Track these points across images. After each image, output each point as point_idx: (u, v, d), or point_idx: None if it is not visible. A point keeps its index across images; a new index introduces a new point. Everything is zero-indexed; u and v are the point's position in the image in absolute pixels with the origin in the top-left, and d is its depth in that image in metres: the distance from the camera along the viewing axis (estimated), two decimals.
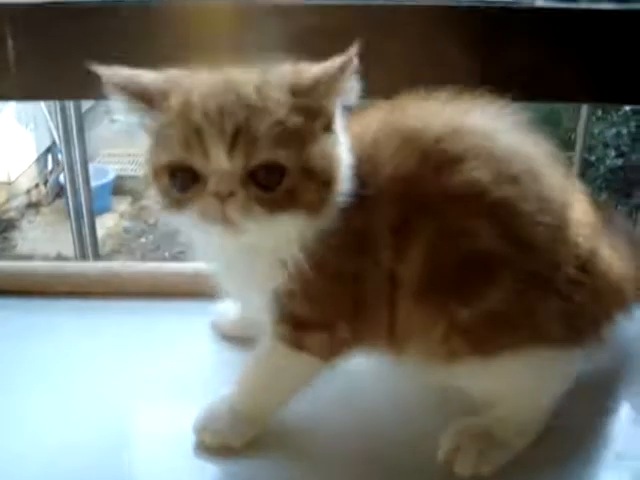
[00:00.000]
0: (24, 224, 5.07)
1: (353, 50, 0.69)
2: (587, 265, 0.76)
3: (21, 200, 5.12)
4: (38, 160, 5.20)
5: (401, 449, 0.82)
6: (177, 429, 0.85)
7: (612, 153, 3.66)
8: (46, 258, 4.61)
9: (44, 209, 5.20)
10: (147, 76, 0.74)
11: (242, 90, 0.69)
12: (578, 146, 1.77)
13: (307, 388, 0.82)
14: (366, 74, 1.12)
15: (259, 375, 0.83)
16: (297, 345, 0.78)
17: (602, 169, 3.61)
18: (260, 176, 0.69)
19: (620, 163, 3.62)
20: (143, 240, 4.85)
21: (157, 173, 0.73)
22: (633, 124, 3.64)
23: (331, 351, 0.79)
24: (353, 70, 0.70)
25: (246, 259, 0.76)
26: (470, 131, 0.75)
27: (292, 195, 0.70)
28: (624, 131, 3.67)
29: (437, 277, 0.73)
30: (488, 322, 0.74)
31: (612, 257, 0.81)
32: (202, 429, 0.83)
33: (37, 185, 5.24)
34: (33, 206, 5.20)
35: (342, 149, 0.73)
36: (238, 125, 0.67)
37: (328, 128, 0.72)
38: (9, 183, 4.96)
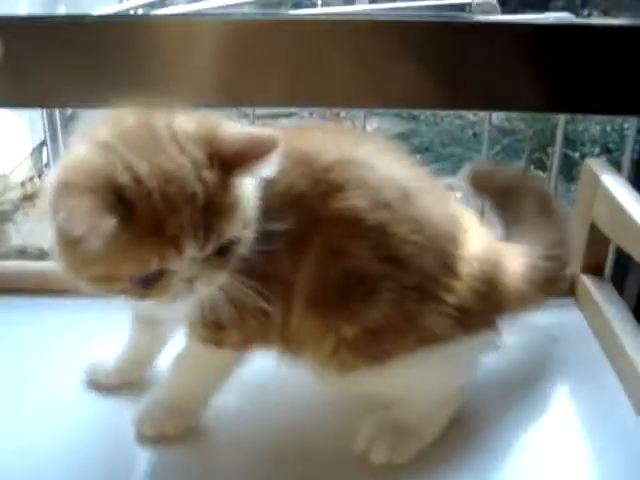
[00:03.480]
0: (19, 216, 5.10)
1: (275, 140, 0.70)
2: (461, 270, 0.82)
3: (16, 192, 5.14)
4: (33, 152, 5.21)
5: (322, 440, 0.87)
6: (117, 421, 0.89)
7: (596, 150, 3.69)
8: (40, 251, 4.64)
9: (39, 201, 5.22)
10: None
11: (185, 175, 0.68)
12: (558, 141, 1.80)
13: (229, 379, 0.86)
14: (320, 89, 1.19)
15: (185, 373, 0.87)
16: (217, 343, 0.83)
17: None
18: (221, 249, 0.72)
19: (605, 160, 3.64)
20: None
21: (109, 279, 0.72)
22: (619, 120, 3.65)
23: (245, 343, 0.84)
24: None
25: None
26: (353, 162, 0.81)
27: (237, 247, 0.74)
28: (608, 128, 3.71)
29: (323, 293, 0.79)
30: (373, 335, 0.79)
31: (500, 256, 0.88)
32: (140, 421, 0.87)
33: (32, 178, 5.25)
34: (28, 199, 5.22)
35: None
36: (200, 221, 0.68)
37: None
38: (4, 175, 4.98)
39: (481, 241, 0.86)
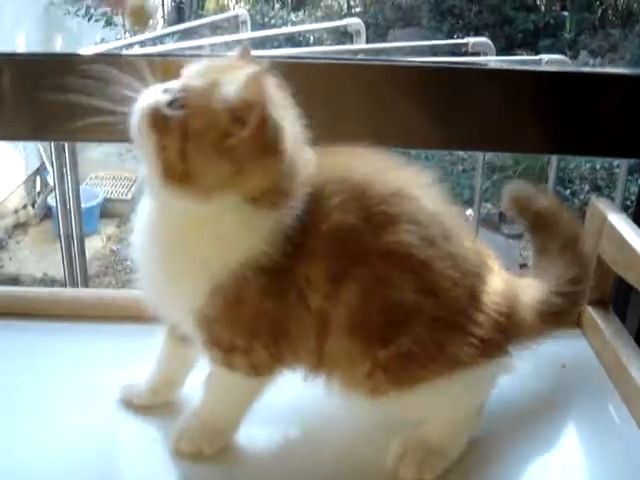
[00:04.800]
0: (12, 244, 5.13)
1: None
2: (486, 304, 0.88)
3: (9, 220, 5.17)
4: (26, 181, 5.26)
5: (352, 459, 0.92)
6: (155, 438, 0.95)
7: (586, 187, 3.79)
8: (32, 278, 4.66)
9: (32, 230, 5.25)
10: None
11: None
12: (550, 179, 1.88)
13: (257, 400, 0.91)
14: (329, 131, 1.25)
15: (213, 395, 0.93)
16: (228, 366, 0.88)
17: (577, 202, 3.74)
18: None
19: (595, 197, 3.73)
20: (129, 263, 4.90)
21: None
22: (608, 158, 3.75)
23: (256, 371, 0.88)
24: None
25: (179, 252, 0.83)
26: (404, 196, 0.86)
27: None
28: (597, 166, 3.81)
29: (365, 321, 0.84)
30: (405, 360, 0.85)
31: (517, 291, 0.94)
32: (178, 438, 0.92)
33: (25, 206, 5.30)
34: (21, 226, 5.26)
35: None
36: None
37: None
38: None
39: (500, 277, 0.92)
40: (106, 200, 5.29)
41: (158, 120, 0.79)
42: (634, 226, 1.07)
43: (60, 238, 1.82)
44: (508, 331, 0.90)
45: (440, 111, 1.27)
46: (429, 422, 0.92)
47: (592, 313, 1.13)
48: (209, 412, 0.93)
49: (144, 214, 0.87)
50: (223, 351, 0.87)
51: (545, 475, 0.92)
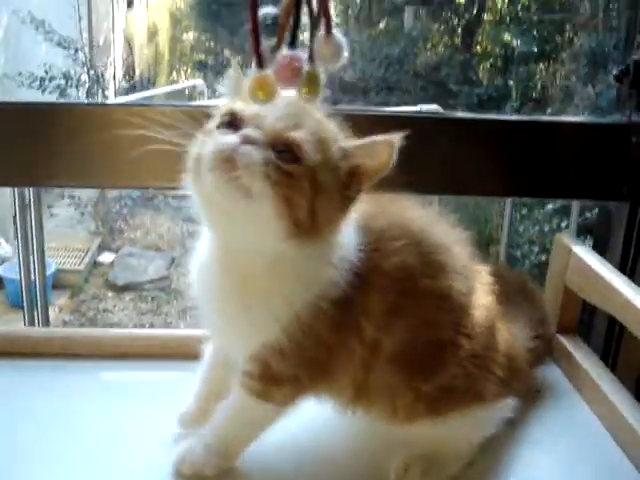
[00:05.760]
0: None
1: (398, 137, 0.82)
2: (504, 352, 1.00)
3: None
4: None
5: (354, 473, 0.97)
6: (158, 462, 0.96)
7: (536, 249, 3.91)
8: None
9: None
10: None
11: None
12: (503, 241, 1.95)
13: (270, 428, 0.94)
14: None
15: (229, 421, 0.95)
16: (265, 398, 0.92)
17: (527, 264, 3.85)
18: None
19: (544, 258, 3.87)
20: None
21: None
22: (555, 222, 3.90)
23: (293, 400, 0.93)
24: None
25: (255, 286, 0.86)
26: (449, 249, 0.94)
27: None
28: (546, 228, 3.94)
29: (411, 356, 0.91)
30: (443, 393, 0.93)
31: (513, 339, 1.05)
32: (182, 461, 0.94)
33: None
34: None
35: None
36: None
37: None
38: None
39: (505, 328, 1.02)
40: (58, 271, 5.25)
41: (277, 175, 0.78)
42: (597, 256, 1.15)
43: (23, 308, 1.80)
44: (515, 375, 1.01)
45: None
46: (437, 444, 0.97)
47: (561, 339, 1.20)
48: (219, 436, 0.95)
49: (206, 253, 0.90)
50: (266, 383, 0.90)
51: None
